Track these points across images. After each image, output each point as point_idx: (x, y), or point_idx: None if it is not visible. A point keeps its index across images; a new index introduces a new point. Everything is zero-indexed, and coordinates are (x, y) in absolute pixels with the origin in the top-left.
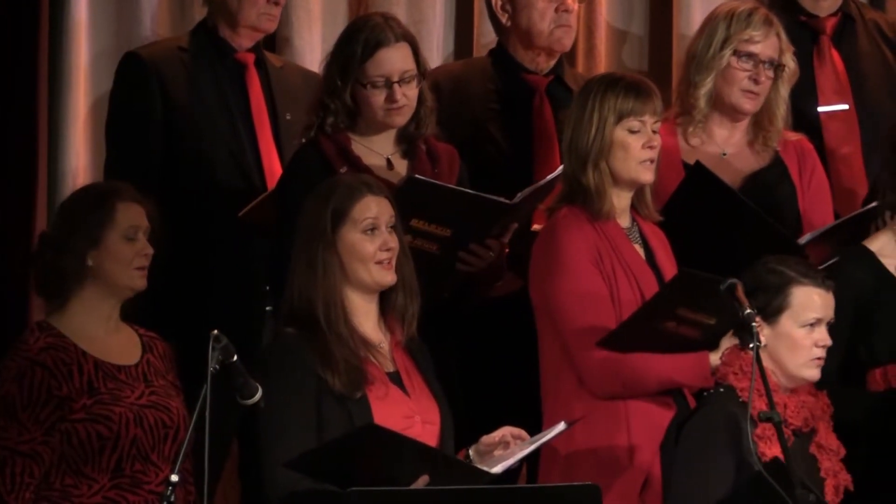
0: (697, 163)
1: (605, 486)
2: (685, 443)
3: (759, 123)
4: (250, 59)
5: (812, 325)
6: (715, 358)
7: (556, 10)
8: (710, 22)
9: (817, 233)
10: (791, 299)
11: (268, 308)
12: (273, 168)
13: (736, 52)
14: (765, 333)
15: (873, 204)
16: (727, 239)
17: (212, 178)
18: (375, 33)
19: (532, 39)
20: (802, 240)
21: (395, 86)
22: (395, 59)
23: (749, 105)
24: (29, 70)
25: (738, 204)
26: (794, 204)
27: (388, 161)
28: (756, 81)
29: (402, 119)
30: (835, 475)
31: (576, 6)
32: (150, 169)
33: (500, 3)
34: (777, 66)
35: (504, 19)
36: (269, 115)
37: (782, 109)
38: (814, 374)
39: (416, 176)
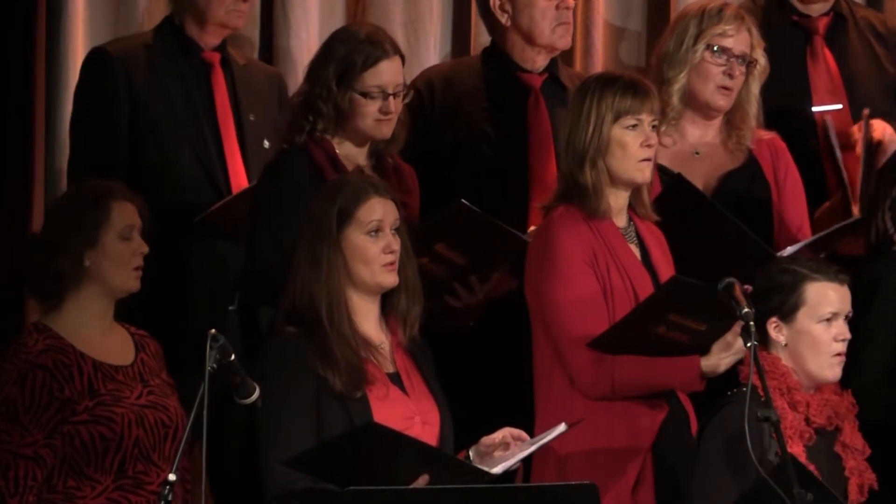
0: (679, 175)
1: (598, 485)
2: (708, 442)
3: (732, 122)
4: (216, 58)
5: (829, 319)
6: (706, 362)
7: (557, 7)
8: (680, 20)
9: (798, 246)
10: (806, 296)
11: (230, 307)
12: (237, 169)
13: (709, 47)
14: (784, 333)
15: (856, 216)
16: (706, 248)
17: (176, 178)
18: (375, 46)
19: (534, 38)
20: (785, 253)
21: (391, 97)
22: (392, 71)
23: (723, 101)
24: (25, 68)
25: (718, 216)
26: (769, 203)
27: (361, 172)
28: (730, 76)
29: (388, 130)
30: (860, 474)
31: (573, 3)
32: (114, 166)
33: (498, 3)
34: (749, 62)
35: (504, 19)
36: (233, 116)
37: (754, 107)
38: (835, 373)
39: (466, 203)
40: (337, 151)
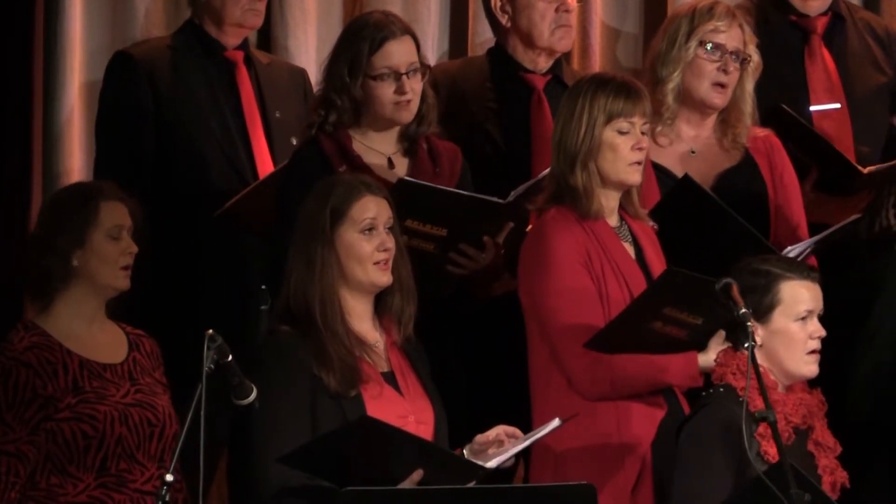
0: (686, 176)
1: (596, 486)
2: (687, 443)
3: (727, 121)
4: (239, 56)
5: (804, 318)
6: (703, 358)
7: (557, 10)
8: (672, 21)
9: (805, 246)
10: (781, 295)
11: (263, 307)
12: (266, 166)
13: (702, 44)
14: (759, 334)
15: (856, 216)
16: (711, 250)
17: (205, 177)
18: (381, 28)
19: (533, 40)
20: (791, 253)
21: (404, 77)
22: (401, 51)
23: (718, 99)
24: (24, 69)
25: (725, 217)
26: (766, 200)
27: (389, 160)
28: (725, 72)
29: (409, 115)
30: (831, 472)
31: (575, 5)
32: (142, 168)
33: (499, 4)
34: (743, 59)
35: (504, 20)
36: (260, 114)
37: (749, 105)
38: (812, 370)
39: (406, 178)
40: (358, 142)
